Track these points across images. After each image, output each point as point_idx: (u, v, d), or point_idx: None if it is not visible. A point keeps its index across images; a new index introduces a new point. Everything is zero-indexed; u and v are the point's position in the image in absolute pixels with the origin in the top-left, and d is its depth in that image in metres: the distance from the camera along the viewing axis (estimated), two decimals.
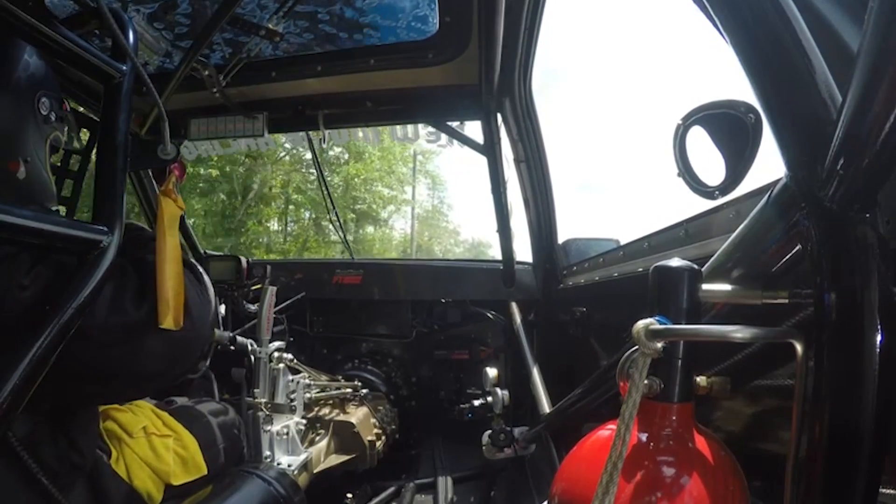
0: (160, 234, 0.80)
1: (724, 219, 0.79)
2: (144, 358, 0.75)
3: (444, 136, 1.76)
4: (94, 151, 0.92)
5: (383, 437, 1.75)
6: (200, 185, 11.44)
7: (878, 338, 0.37)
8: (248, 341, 1.36)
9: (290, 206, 14.47)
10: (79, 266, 0.63)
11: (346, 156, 14.48)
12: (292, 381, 1.44)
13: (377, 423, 1.76)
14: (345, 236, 2.44)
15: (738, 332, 0.48)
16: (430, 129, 1.76)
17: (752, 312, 0.55)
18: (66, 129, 0.85)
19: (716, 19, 0.48)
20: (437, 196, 19.94)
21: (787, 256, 0.49)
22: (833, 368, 0.40)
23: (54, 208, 0.84)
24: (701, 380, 0.58)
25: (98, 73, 0.69)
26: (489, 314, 2.14)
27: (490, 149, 1.70)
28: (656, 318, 0.52)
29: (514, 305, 2.05)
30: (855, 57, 0.35)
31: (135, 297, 0.73)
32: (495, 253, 2.22)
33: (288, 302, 2.02)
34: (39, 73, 0.78)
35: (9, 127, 0.74)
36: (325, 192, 2.25)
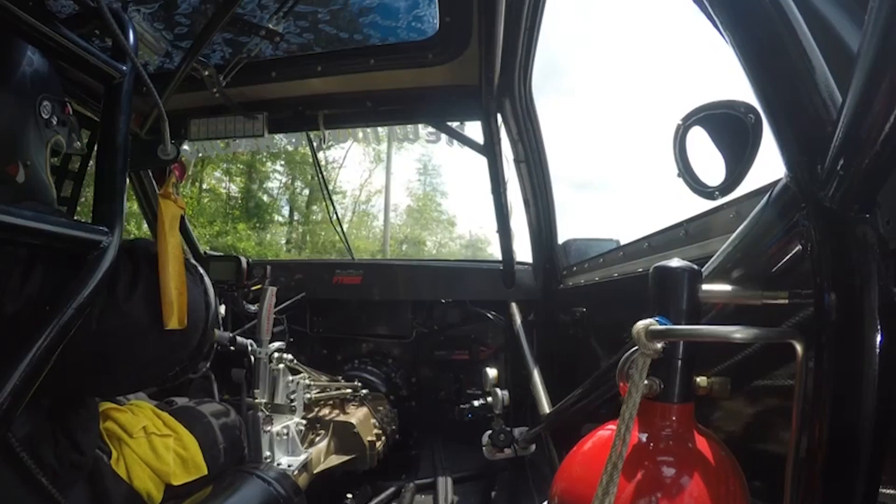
0: (161, 235, 0.80)
1: (724, 219, 0.79)
2: (140, 347, 0.75)
3: (444, 136, 1.77)
4: (94, 152, 0.92)
5: (383, 438, 1.74)
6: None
7: (878, 338, 0.37)
8: (248, 341, 1.36)
9: None
10: (79, 266, 0.63)
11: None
12: (292, 381, 1.43)
13: (377, 424, 1.76)
14: (345, 236, 2.44)
15: (738, 333, 0.48)
16: (431, 129, 1.77)
17: (752, 313, 0.55)
18: (67, 132, 0.85)
19: (716, 19, 0.48)
20: (428, 182, 18.15)
21: (787, 256, 0.49)
22: (833, 368, 0.40)
23: None
24: (701, 380, 0.58)
25: (98, 74, 0.69)
26: (489, 314, 2.14)
27: (490, 149, 1.70)
28: (656, 318, 0.52)
29: (514, 306, 2.05)
30: (855, 57, 0.35)
31: (128, 286, 0.73)
32: (494, 251, 2.22)
33: (288, 302, 2.02)
34: (41, 77, 0.77)
35: (9, 130, 0.74)
36: (325, 192, 2.24)
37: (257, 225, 12.77)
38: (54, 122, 0.80)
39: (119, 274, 0.72)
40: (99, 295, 0.65)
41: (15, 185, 0.75)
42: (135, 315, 0.72)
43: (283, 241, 14.01)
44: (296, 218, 14.63)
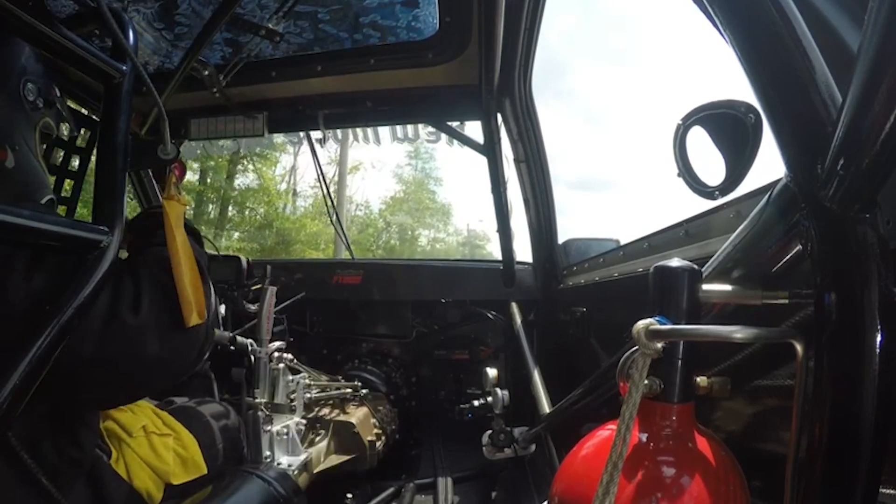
0: (169, 235, 0.80)
1: (724, 219, 0.79)
2: (144, 361, 0.75)
3: (444, 136, 1.77)
4: (94, 151, 0.92)
5: (383, 438, 1.74)
6: None
7: (878, 338, 0.37)
8: (248, 341, 1.36)
9: None
10: (79, 266, 0.63)
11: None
12: (292, 381, 1.43)
13: (377, 424, 1.76)
14: (345, 236, 2.44)
15: (738, 333, 0.48)
16: (431, 129, 1.77)
17: (753, 312, 0.55)
18: (56, 113, 0.84)
19: (716, 19, 0.48)
20: (420, 168, 16.17)
21: (787, 256, 0.49)
22: (833, 368, 0.40)
23: (48, 197, 0.82)
24: (701, 380, 0.58)
25: (98, 74, 0.69)
26: (489, 314, 2.14)
27: (490, 149, 1.70)
28: (656, 318, 0.52)
29: (514, 305, 2.05)
30: (855, 57, 0.35)
31: (132, 305, 0.73)
32: (493, 249, 2.22)
33: (288, 302, 2.02)
34: (22, 60, 0.76)
35: None
36: (326, 192, 2.24)
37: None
38: (41, 105, 0.79)
39: (120, 292, 0.73)
40: (99, 294, 0.65)
41: (4, 172, 0.73)
42: (143, 333, 0.73)
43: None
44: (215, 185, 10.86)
